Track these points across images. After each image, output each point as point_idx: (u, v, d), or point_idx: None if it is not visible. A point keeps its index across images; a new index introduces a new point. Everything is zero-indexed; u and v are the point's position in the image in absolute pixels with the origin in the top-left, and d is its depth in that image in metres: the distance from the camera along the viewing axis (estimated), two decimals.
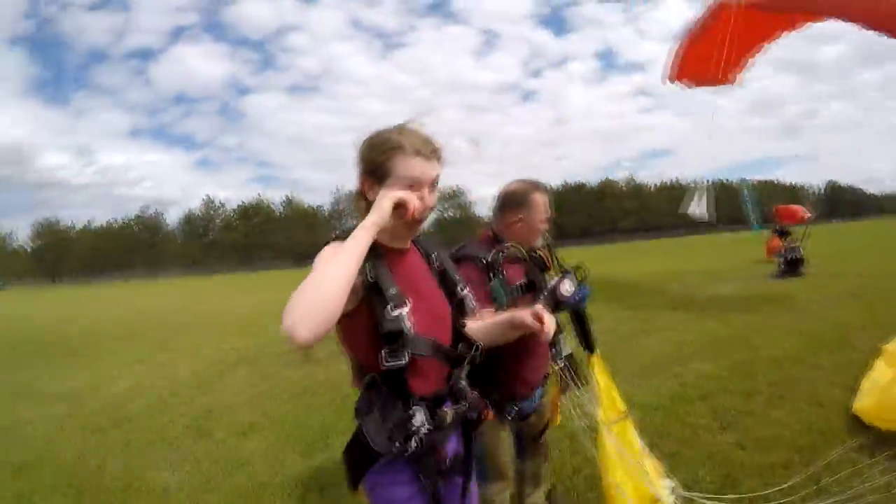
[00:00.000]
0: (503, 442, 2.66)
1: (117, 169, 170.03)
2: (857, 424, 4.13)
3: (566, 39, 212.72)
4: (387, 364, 1.57)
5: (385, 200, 1.56)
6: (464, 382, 1.80)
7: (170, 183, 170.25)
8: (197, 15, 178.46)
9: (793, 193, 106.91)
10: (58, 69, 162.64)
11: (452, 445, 1.82)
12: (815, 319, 8.45)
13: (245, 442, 5.14)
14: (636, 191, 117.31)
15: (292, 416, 5.71)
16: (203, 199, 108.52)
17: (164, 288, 42.84)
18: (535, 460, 3.01)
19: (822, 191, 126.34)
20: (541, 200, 2.64)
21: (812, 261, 15.33)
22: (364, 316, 1.59)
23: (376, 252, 1.59)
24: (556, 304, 2.41)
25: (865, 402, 4.30)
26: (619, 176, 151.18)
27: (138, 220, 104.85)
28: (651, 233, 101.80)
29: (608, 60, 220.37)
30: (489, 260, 2.46)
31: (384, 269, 1.62)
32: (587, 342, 2.90)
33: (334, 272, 1.39)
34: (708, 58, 9.43)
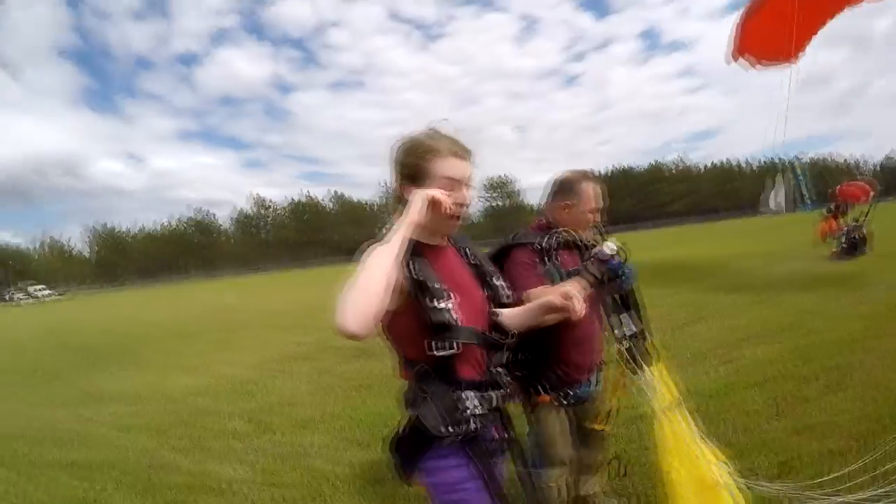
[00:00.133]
0: (561, 428, 2.71)
1: (168, 173, 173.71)
2: None
3: (607, 21, 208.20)
4: (436, 353, 1.69)
5: (418, 199, 1.69)
6: (500, 369, 1.91)
7: (219, 184, 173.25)
8: (237, 17, 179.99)
9: (847, 171, 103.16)
10: (105, 79, 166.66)
11: (493, 430, 1.91)
12: (874, 302, 8.17)
13: (305, 436, 5.26)
14: (685, 174, 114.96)
15: (350, 410, 5.81)
16: (253, 199, 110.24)
17: (220, 288, 43.68)
18: (592, 449, 3.05)
19: (878, 167, 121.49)
20: (590, 189, 2.68)
21: (869, 241, 14.77)
22: (411, 312, 1.70)
23: (417, 251, 1.71)
24: (602, 276, 2.38)
25: None
26: (668, 159, 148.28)
27: (192, 222, 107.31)
28: (702, 216, 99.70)
29: (651, 41, 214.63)
30: (542, 244, 2.53)
31: (426, 266, 1.74)
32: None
33: (376, 271, 1.53)
34: (768, 35, 9.22)
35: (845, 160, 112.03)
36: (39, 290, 73.76)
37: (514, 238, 2.63)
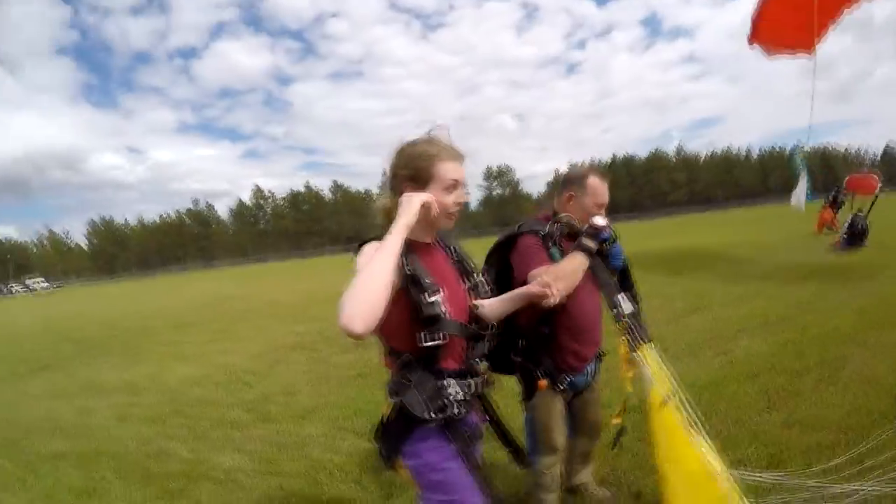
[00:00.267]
0: (556, 415, 2.79)
1: (167, 165, 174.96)
2: None
3: (609, 8, 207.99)
4: (426, 344, 1.80)
5: (412, 203, 1.80)
6: (479, 359, 2.04)
7: (219, 175, 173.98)
8: (236, 9, 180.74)
9: (847, 160, 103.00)
10: (104, 73, 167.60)
11: (472, 416, 2.05)
12: (868, 296, 8.22)
13: (303, 425, 5.31)
14: (686, 163, 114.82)
15: (347, 400, 5.87)
16: (252, 189, 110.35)
17: (218, 278, 43.70)
18: (586, 439, 3.11)
19: (878, 157, 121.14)
20: (596, 183, 2.74)
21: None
22: (401, 304, 1.79)
23: (408, 247, 1.80)
24: (598, 247, 2.54)
25: None
26: (669, 147, 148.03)
27: (190, 214, 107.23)
28: (702, 205, 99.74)
29: (653, 27, 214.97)
30: (546, 231, 2.63)
31: (418, 262, 1.85)
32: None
33: (378, 272, 1.63)
34: (784, 23, 9.20)
35: (846, 149, 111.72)
36: (37, 282, 74.82)
37: (521, 227, 2.72)
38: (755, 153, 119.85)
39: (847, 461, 2.90)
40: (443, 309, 1.82)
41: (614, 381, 3.16)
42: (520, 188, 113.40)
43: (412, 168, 1.92)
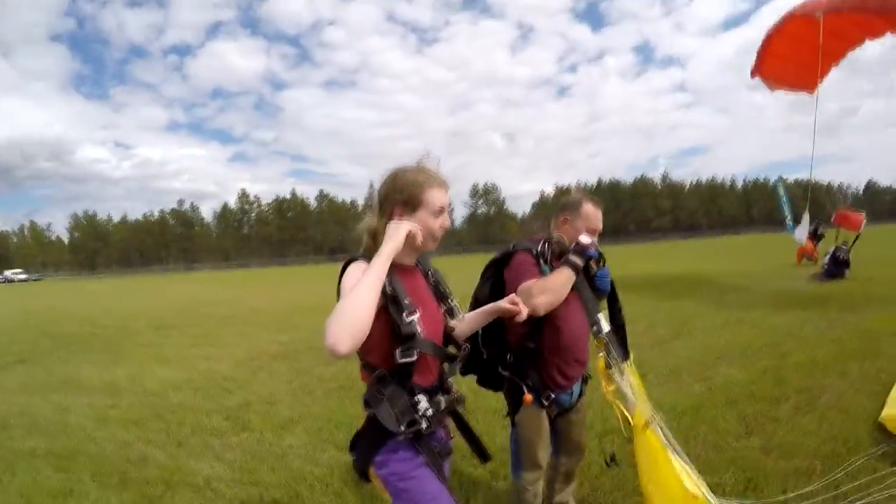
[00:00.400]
0: (541, 431, 2.83)
1: (155, 163, 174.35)
2: (883, 433, 4.18)
3: (602, 34, 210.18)
4: (401, 360, 1.89)
5: (399, 231, 1.91)
6: (451, 379, 2.15)
7: (206, 177, 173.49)
8: (234, 10, 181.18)
9: (830, 194, 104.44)
10: (98, 65, 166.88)
11: (441, 433, 2.14)
12: (847, 327, 8.38)
13: (283, 436, 5.27)
14: (671, 190, 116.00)
15: (328, 412, 5.84)
16: (238, 193, 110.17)
17: (200, 281, 43.40)
18: (569, 458, 3.15)
19: (861, 191, 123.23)
20: (590, 210, 2.87)
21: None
22: (380, 322, 1.86)
23: (391, 269, 1.88)
24: (583, 264, 2.66)
25: (892, 411, 4.35)
26: (655, 174, 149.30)
27: (174, 214, 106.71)
28: (685, 232, 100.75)
29: (646, 55, 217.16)
30: (538, 250, 2.75)
31: (399, 283, 1.94)
32: (622, 343, 3.05)
33: (363, 297, 1.72)
34: (787, 59, 9.36)
35: (829, 183, 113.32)
36: (16, 273, 74.61)
37: (515, 246, 2.82)
38: (740, 183, 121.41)
39: (822, 487, 2.96)
40: (418, 329, 1.92)
41: (597, 402, 3.22)
42: (505, 207, 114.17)
43: (404, 193, 2.04)
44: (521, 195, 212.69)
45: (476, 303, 2.73)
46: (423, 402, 1.97)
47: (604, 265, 2.85)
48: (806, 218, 14.08)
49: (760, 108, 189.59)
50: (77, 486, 4.41)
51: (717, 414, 4.94)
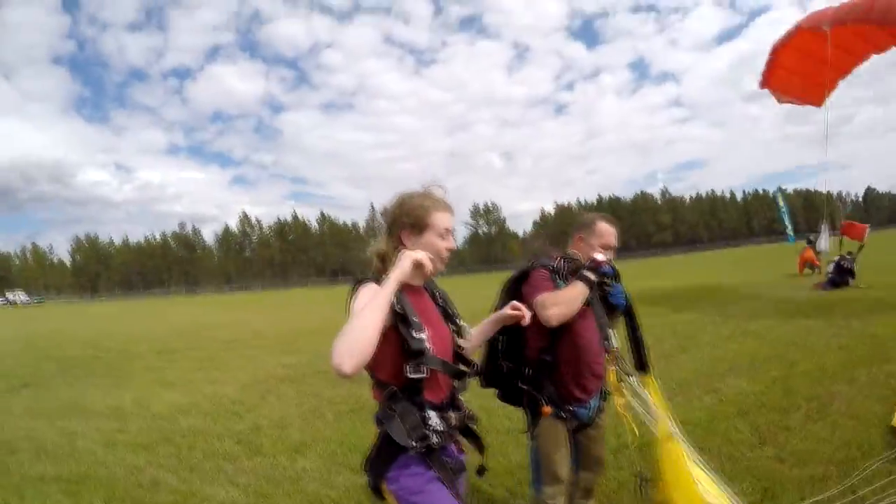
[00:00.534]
0: (560, 444, 2.86)
1: (155, 186, 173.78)
2: (895, 437, 4.19)
3: (598, 52, 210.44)
4: (411, 376, 1.95)
5: (407, 260, 1.96)
6: (461, 397, 2.22)
7: (206, 200, 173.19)
8: (233, 34, 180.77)
9: (829, 201, 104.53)
10: (98, 88, 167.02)
11: (453, 448, 2.18)
12: (853, 334, 8.41)
13: (297, 459, 5.20)
14: (671, 204, 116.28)
15: (341, 435, 5.78)
16: (239, 216, 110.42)
17: (202, 304, 43.27)
18: (589, 474, 3.16)
19: (860, 198, 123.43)
20: (604, 227, 3.04)
21: (858, 275, 14.99)
22: (390, 340, 1.94)
23: (400, 289, 1.97)
24: (597, 279, 2.80)
25: None
26: (654, 189, 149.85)
27: (176, 237, 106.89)
28: (687, 246, 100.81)
29: (641, 71, 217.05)
30: (554, 266, 2.87)
31: (407, 303, 2.01)
32: (640, 360, 3.19)
33: (369, 320, 1.79)
34: (795, 72, 9.42)
35: (828, 191, 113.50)
36: (17, 294, 74.99)
37: (533, 263, 2.93)
38: (739, 195, 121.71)
39: (840, 492, 2.96)
40: (427, 345, 1.97)
41: (611, 418, 3.24)
42: (506, 226, 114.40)
43: (411, 217, 2.14)
44: (521, 214, 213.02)
45: None
46: (433, 417, 2.02)
47: (618, 281, 2.98)
48: (824, 227, 14.17)
49: (755, 119, 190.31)
50: None
51: (729, 425, 4.95)
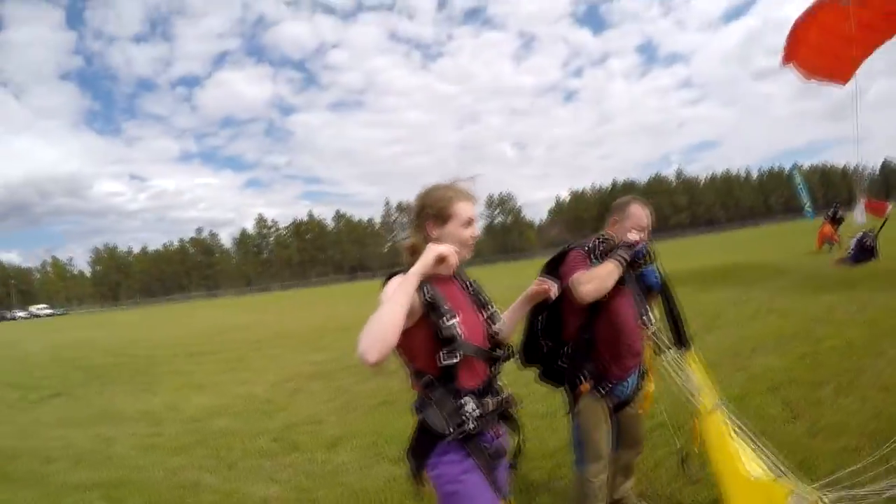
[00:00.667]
0: (600, 421, 2.94)
1: (170, 193, 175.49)
2: None
3: (604, 37, 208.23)
4: (444, 362, 2.01)
5: (429, 253, 2.01)
6: (499, 381, 2.25)
7: (221, 204, 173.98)
8: (238, 39, 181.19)
9: (845, 177, 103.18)
10: (108, 100, 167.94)
11: (489, 434, 2.19)
12: (878, 307, 8.38)
13: (335, 454, 5.24)
14: (687, 186, 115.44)
15: (376, 427, 5.85)
16: (255, 219, 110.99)
17: (224, 307, 43.47)
18: (630, 451, 3.24)
19: (877, 172, 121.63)
20: (636, 209, 3.17)
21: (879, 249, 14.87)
22: (423, 329, 2.03)
23: (429, 279, 2.04)
24: (629, 259, 2.90)
25: None
26: (668, 171, 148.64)
27: (194, 242, 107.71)
28: (704, 227, 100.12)
29: (649, 54, 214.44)
30: (589, 246, 3.01)
31: (437, 291, 2.07)
32: (679, 335, 3.19)
33: (391, 312, 1.84)
34: (819, 49, 9.32)
35: (845, 166, 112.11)
36: (41, 308, 75.92)
37: (570, 245, 3.06)
38: (755, 174, 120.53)
39: (873, 462, 2.99)
40: (458, 331, 2.03)
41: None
42: (521, 216, 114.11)
43: (434, 208, 2.21)
44: (536, 202, 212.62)
45: None
46: (469, 403, 2.06)
47: (653, 261, 3.04)
48: (861, 201, 14.05)
49: (767, 97, 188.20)
50: None
51: (761, 401, 4.99)
